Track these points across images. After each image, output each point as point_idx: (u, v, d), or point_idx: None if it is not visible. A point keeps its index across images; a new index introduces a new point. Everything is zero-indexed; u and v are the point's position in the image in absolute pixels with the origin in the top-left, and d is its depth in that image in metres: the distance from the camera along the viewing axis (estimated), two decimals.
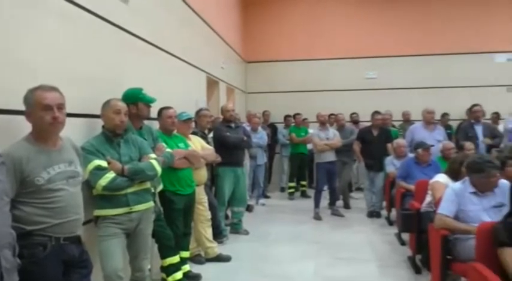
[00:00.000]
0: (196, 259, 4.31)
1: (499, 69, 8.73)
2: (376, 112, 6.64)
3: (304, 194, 8.03)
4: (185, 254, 3.81)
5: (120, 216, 2.64)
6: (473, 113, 6.02)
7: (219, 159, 4.68)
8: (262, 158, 7.10)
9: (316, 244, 4.99)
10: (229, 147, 5.02)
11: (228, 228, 5.40)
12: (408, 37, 8.97)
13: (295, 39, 9.37)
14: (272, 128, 8.42)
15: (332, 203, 6.51)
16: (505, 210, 2.65)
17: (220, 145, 4.93)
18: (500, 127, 6.94)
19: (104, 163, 2.57)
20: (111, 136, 2.70)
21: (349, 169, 7.03)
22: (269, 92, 9.45)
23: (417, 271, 3.94)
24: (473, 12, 8.78)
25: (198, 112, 4.81)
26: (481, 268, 2.33)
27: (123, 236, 2.69)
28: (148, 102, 3.15)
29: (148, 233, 2.88)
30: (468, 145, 4.93)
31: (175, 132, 3.83)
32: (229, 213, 5.71)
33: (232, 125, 5.23)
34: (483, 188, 3.01)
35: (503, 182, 3.03)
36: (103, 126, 2.74)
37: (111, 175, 2.56)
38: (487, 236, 2.44)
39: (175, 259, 3.40)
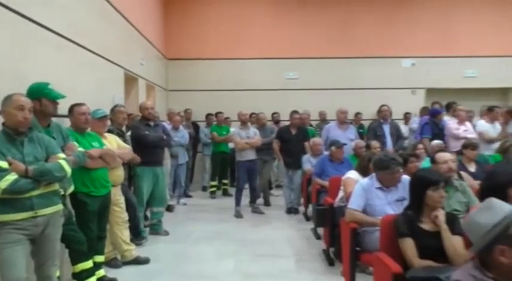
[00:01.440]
0: (112, 263, 4.14)
1: (405, 73, 9.49)
2: (294, 111, 6.86)
3: (226, 193, 8.06)
4: (99, 258, 3.63)
5: (23, 221, 2.44)
6: (381, 113, 6.48)
7: (138, 159, 4.53)
8: (184, 157, 7.01)
9: (236, 241, 5.04)
10: (148, 146, 4.88)
11: (147, 229, 5.25)
12: (326, 40, 9.39)
13: (218, 38, 9.36)
14: (194, 127, 8.34)
15: (253, 201, 6.61)
16: (406, 203, 2.89)
17: (139, 143, 4.77)
18: (403, 127, 7.57)
19: (4, 164, 2.36)
20: (13, 134, 2.48)
21: (269, 167, 7.19)
22: (191, 90, 9.34)
23: (331, 263, 4.15)
24: (385, 19, 9.43)
25: (113, 109, 4.61)
26: (384, 257, 2.52)
27: (27, 242, 2.49)
28: (54, 98, 2.95)
29: (56, 238, 2.69)
30: (374, 143, 5.30)
31: (89, 130, 3.63)
32: (148, 214, 5.56)
33: (151, 123, 5.10)
34: (388, 183, 3.25)
35: (405, 177, 3.28)
36: (3, 124, 2.51)
37: (12, 177, 2.35)
38: (390, 227, 2.63)
39: (87, 264, 3.23)
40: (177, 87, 9.40)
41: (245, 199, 6.57)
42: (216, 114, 8.22)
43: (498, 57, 9.29)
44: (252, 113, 7.94)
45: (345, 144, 5.46)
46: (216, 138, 7.88)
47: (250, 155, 6.37)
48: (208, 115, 8.48)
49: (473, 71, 9.42)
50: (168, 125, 6.51)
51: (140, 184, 4.97)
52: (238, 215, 6.28)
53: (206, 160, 8.33)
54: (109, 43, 5.19)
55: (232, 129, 7.74)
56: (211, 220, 6.10)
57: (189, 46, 9.35)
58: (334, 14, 9.43)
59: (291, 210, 6.50)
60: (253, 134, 6.43)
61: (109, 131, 4.19)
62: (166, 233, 5.29)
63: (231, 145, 7.71)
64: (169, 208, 6.48)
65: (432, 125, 6.29)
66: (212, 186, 7.97)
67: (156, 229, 5.29)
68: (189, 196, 7.74)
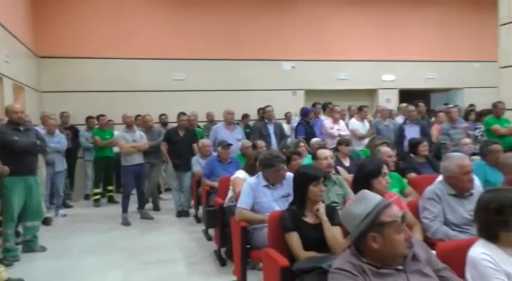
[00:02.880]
0: None
1: (286, 75, 10.02)
2: (182, 113, 6.78)
3: (111, 200, 7.61)
4: None
5: None
6: (266, 113, 6.76)
7: (6, 170, 4.03)
8: (62, 164, 6.43)
9: (124, 251, 4.79)
10: (17, 153, 4.37)
11: (20, 247, 4.70)
12: (213, 42, 9.44)
13: (98, 36, 8.76)
14: (73, 131, 7.72)
15: (141, 206, 6.37)
16: (291, 199, 3.04)
17: (6, 151, 4.25)
18: (286, 126, 8.00)
19: None
20: None
21: (157, 170, 7.00)
22: (68, 91, 8.59)
23: (222, 263, 4.18)
24: (268, 23, 9.82)
25: None
26: (272, 253, 2.62)
27: None
28: None
29: None
30: (260, 143, 5.51)
31: None
32: (21, 229, 4.97)
33: (21, 128, 4.58)
34: (273, 180, 3.39)
35: (289, 174, 3.45)
36: None
37: None
38: (277, 223, 2.74)
39: None
40: (51, 89, 8.56)
41: (133, 205, 6.30)
42: (98, 117, 7.72)
43: (365, 61, 10.35)
44: (138, 115, 7.64)
45: (231, 144, 5.55)
46: (99, 143, 7.41)
47: (137, 159, 6.12)
48: (88, 118, 7.94)
49: (344, 74, 10.34)
50: (42, 130, 5.91)
51: (9, 197, 4.41)
52: (125, 222, 5.99)
53: (88, 165, 7.79)
54: None
55: (116, 133, 7.34)
56: (95, 230, 5.71)
57: (65, 43, 8.59)
58: (220, 16, 9.53)
59: (182, 213, 6.41)
60: (140, 137, 6.20)
61: None
62: (43, 249, 4.79)
63: (115, 149, 7.32)
64: (47, 221, 5.90)
65: (305, 124, 6.79)
66: (96, 193, 7.47)
67: (30, 246, 4.76)
68: (70, 206, 7.16)
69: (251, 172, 4.10)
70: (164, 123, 8.06)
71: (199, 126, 8.18)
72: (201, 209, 5.80)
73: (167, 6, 9.31)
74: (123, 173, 6.29)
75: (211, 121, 8.58)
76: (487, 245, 1.91)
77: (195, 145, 6.48)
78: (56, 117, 7.05)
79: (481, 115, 7.34)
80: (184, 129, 6.61)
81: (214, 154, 5.82)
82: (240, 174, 4.20)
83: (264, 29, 9.79)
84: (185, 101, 8.89)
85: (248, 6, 9.71)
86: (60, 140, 6.34)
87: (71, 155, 7.35)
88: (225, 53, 9.49)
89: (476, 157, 4.53)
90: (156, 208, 6.87)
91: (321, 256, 2.48)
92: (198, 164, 5.98)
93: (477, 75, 10.68)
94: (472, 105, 9.67)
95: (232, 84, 9.56)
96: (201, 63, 9.40)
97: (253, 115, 9.19)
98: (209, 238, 5.05)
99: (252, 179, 3.46)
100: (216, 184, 4.89)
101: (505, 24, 6.26)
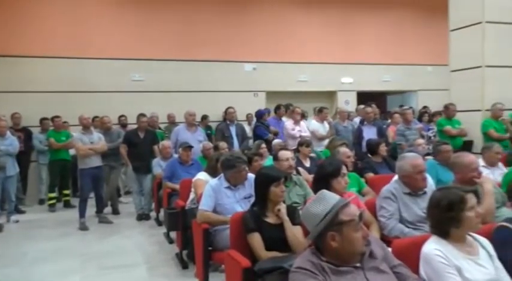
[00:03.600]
0: None
1: (248, 77, 10.05)
2: (142, 115, 6.66)
3: (68, 205, 7.34)
4: None
5: None
6: (228, 115, 6.76)
7: None
8: (13, 168, 6.15)
9: (82, 256, 4.64)
10: None
11: None
12: (174, 42, 9.33)
13: (52, 35, 8.43)
14: (25, 133, 7.40)
15: (99, 210, 6.20)
16: (253, 200, 3.06)
17: None
18: (247, 128, 8.04)
19: None
20: None
21: (116, 173, 6.83)
22: (20, 91, 8.18)
23: (184, 266, 4.14)
24: (229, 25, 9.81)
25: None
26: (234, 254, 2.62)
27: None
28: None
29: None
30: (222, 144, 5.51)
31: None
32: None
33: None
34: (235, 182, 3.40)
35: (251, 175, 3.47)
36: None
37: None
38: (239, 225, 2.75)
39: None
40: (1, 89, 8.16)
41: (91, 210, 6.11)
42: (53, 118, 7.43)
43: (324, 64, 10.56)
44: (95, 117, 7.42)
45: (193, 146, 5.51)
46: (54, 145, 7.14)
47: (95, 161, 5.95)
48: (43, 120, 7.63)
49: (305, 76, 10.51)
50: None
51: None
52: (83, 227, 5.80)
53: (42, 169, 7.51)
54: None
55: (74, 134, 7.09)
56: (51, 236, 5.50)
57: (15, 42, 8.21)
58: (181, 16, 9.43)
59: (142, 216, 6.29)
60: (98, 139, 6.03)
61: None
62: None
63: (71, 152, 7.07)
64: None
65: (261, 126, 6.87)
66: (51, 198, 7.18)
67: None
68: (22, 212, 6.85)
69: (213, 173, 4.09)
70: (124, 125, 7.88)
71: (159, 128, 8.05)
72: (162, 212, 5.71)
73: (125, 6, 9.10)
74: (80, 176, 6.09)
75: (172, 123, 8.48)
76: (439, 241, 2.00)
77: (155, 147, 6.38)
78: (6, 118, 6.73)
79: (433, 116, 7.68)
80: (145, 130, 6.50)
81: (175, 155, 5.76)
82: (202, 176, 4.18)
83: (226, 31, 9.78)
84: (145, 102, 8.73)
85: (209, 7, 9.66)
86: (11, 143, 6.06)
87: (23, 158, 7.04)
88: (186, 54, 9.40)
89: (430, 157, 4.74)
90: (116, 211, 6.71)
91: (282, 255, 2.51)
92: (158, 166, 5.89)
93: (430, 78, 11.17)
94: (425, 107, 10.08)
95: (193, 85, 9.48)
96: (161, 63, 9.26)
97: (216, 117, 9.16)
98: (171, 241, 4.99)
99: (214, 181, 3.46)
100: (177, 186, 4.84)
101: (455, 29, 6.58)
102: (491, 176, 3.98)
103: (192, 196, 4.12)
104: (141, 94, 9.04)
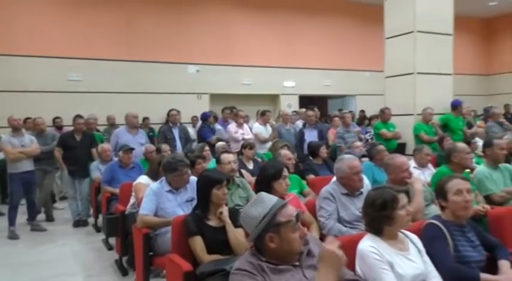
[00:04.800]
0: None
1: (191, 79, 9.96)
2: (78, 116, 6.37)
3: None
4: None
5: None
6: (170, 117, 6.65)
7: None
8: None
9: (11, 267, 4.35)
10: None
11: None
12: (115, 41, 9.05)
13: None
14: None
15: (31, 217, 5.83)
16: (195, 203, 3.02)
17: None
18: (191, 130, 7.95)
19: None
20: None
21: (51, 177, 6.48)
22: None
23: (124, 273, 4.01)
24: (173, 25, 9.68)
25: None
26: (175, 258, 2.58)
27: None
28: None
29: None
30: (164, 146, 5.41)
31: None
32: None
33: None
34: (177, 184, 3.34)
35: (193, 178, 3.43)
36: None
37: None
38: (180, 228, 2.71)
39: None
40: None
41: (22, 217, 5.75)
42: None
43: (268, 67, 10.72)
44: (27, 118, 7.00)
45: (133, 148, 5.36)
46: None
47: (27, 165, 5.60)
48: None
49: (248, 79, 10.61)
50: None
51: None
52: (13, 236, 5.43)
53: None
54: None
55: (3, 136, 6.62)
56: None
57: None
58: (122, 16, 9.19)
59: (79, 222, 6.01)
60: (29, 142, 5.67)
61: None
62: None
63: (0, 155, 6.61)
64: None
65: (206, 128, 6.87)
66: None
67: None
68: None
69: (154, 176, 4.00)
70: (59, 127, 7.48)
71: (98, 130, 7.74)
72: (100, 218, 5.49)
73: (66, 3, 8.68)
74: (9, 181, 5.71)
75: (112, 125, 8.18)
76: (373, 238, 2.10)
77: (93, 150, 6.13)
78: None
79: (371, 120, 8.04)
80: (81, 133, 6.20)
81: (115, 159, 5.56)
82: (143, 179, 4.07)
83: (168, 32, 9.63)
84: (83, 103, 8.38)
85: (152, 8, 9.49)
86: None
87: None
88: (127, 54, 9.15)
89: (366, 159, 4.95)
90: (50, 218, 6.36)
91: (223, 258, 2.51)
92: (97, 169, 5.66)
93: (367, 83, 11.71)
94: (362, 111, 10.54)
95: (134, 86, 9.24)
96: (101, 63, 8.94)
97: (158, 119, 8.97)
98: (110, 248, 4.81)
99: (155, 185, 3.38)
100: (117, 190, 4.68)
101: (389, 37, 6.95)
102: (422, 176, 4.25)
103: (132, 200, 4.00)
104: (78, 95, 8.67)
